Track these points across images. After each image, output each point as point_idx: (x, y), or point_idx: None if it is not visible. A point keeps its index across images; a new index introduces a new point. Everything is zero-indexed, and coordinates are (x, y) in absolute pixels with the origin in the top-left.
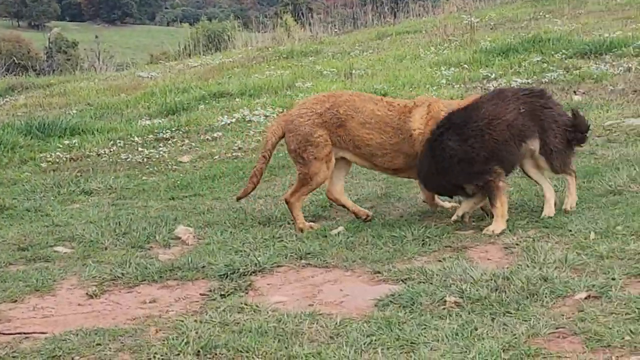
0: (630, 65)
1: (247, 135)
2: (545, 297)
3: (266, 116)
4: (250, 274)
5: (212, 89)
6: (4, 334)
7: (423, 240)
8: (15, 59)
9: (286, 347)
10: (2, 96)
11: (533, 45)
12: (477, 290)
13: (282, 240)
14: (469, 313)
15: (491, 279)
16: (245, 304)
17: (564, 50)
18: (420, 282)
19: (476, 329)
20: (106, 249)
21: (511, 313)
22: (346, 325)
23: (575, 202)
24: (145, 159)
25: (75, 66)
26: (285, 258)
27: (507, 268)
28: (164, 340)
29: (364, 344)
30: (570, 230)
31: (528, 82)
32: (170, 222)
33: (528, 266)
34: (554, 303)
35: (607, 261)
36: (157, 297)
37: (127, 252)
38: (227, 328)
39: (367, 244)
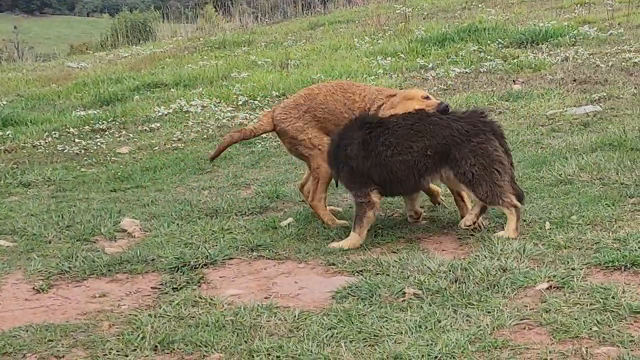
0: (567, 54)
1: (185, 126)
2: (507, 288)
3: (203, 107)
4: (202, 267)
5: (146, 80)
6: None
7: (375, 232)
8: None
9: (245, 341)
10: None
11: (469, 35)
12: (436, 282)
13: (231, 232)
14: (430, 305)
15: (449, 270)
16: (200, 298)
17: (500, 40)
18: (377, 274)
19: (439, 321)
20: (50, 242)
21: (473, 304)
22: (305, 319)
23: (510, 232)
24: (82, 151)
25: None
26: (236, 250)
27: (464, 259)
28: (118, 336)
29: (326, 337)
30: (525, 220)
31: (466, 72)
32: (114, 215)
33: (486, 257)
34: (516, 294)
35: (565, 251)
36: (107, 291)
37: (73, 246)
38: (183, 322)
39: (318, 235)
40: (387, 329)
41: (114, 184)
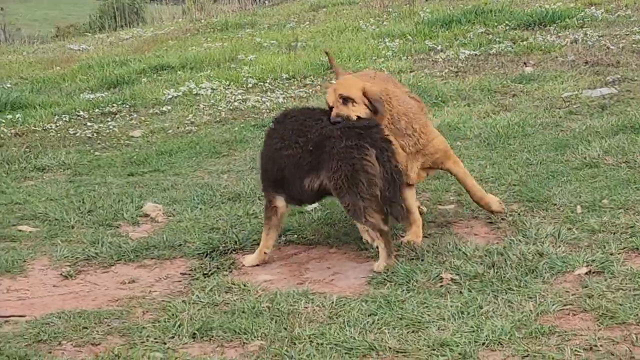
0: (576, 36)
1: (197, 109)
2: (545, 273)
3: (213, 89)
4: (231, 252)
5: (151, 62)
6: None
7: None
8: None
9: (285, 328)
10: None
11: (475, 17)
12: (472, 267)
13: (257, 217)
14: (469, 291)
15: (485, 255)
16: (233, 284)
17: (507, 22)
18: (412, 259)
19: (481, 307)
20: (73, 227)
21: (513, 290)
22: (344, 305)
23: (382, 267)
24: (95, 134)
25: None
26: None
27: (498, 244)
28: (154, 323)
29: (367, 323)
30: (555, 204)
31: (475, 54)
32: (135, 199)
33: (521, 241)
34: (555, 279)
35: (600, 235)
36: (136, 277)
37: (97, 231)
38: (218, 309)
39: (346, 219)
40: (429, 315)
41: (131, 168)
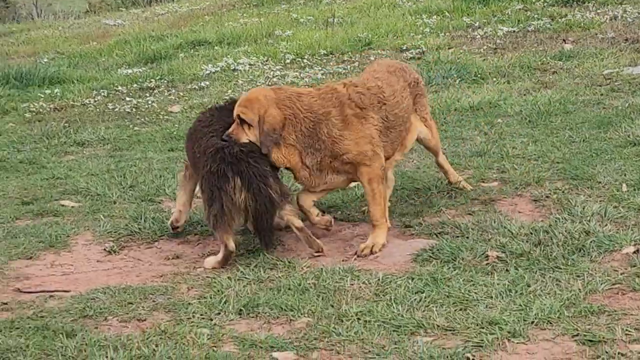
0: (615, 13)
1: (235, 85)
2: (592, 251)
3: (251, 65)
4: (275, 229)
5: (188, 37)
6: (25, 292)
7: (449, 193)
8: None
9: (332, 305)
10: None
11: None
12: (518, 245)
13: None
14: (516, 269)
15: (531, 233)
16: (278, 260)
17: None
18: (456, 237)
19: (529, 286)
20: (115, 202)
21: (561, 268)
22: (390, 282)
23: (210, 263)
24: (134, 109)
25: (15, 15)
26: None
27: (544, 221)
28: (200, 299)
29: (414, 301)
30: (600, 182)
31: (514, 31)
32: (177, 175)
33: (566, 219)
34: (603, 258)
35: None
36: (179, 253)
37: (139, 206)
38: (264, 285)
39: (390, 196)
40: (476, 293)
41: (171, 143)
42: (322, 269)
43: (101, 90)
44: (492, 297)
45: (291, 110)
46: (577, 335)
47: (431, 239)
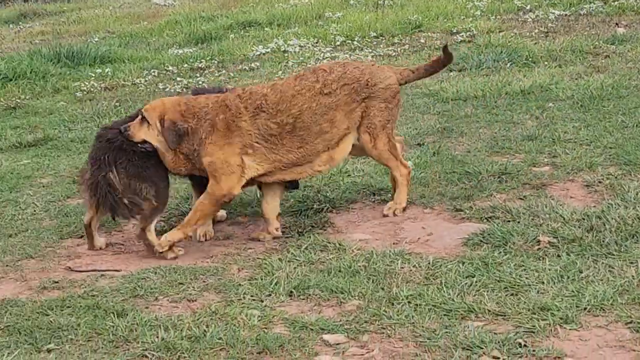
0: None
1: (286, 66)
2: None
3: (301, 46)
4: (326, 211)
5: (239, 18)
6: (77, 271)
7: (499, 177)
8: None
9: (382, 288)
10: (14, 23)
11: None
12: (570, 230)
13: (350, 176)
14: (568, 254)
15: (583, 218)
16: (328, 242)
17: None
18: (508, 221)
19: (581, 272)
20: None
21: (613, 255)
22: (440, 266)
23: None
24: (184, 89)
25: None
26: (358, 194)
27: (596, 207)
28: (250, 280)
29: (465, 285)
30: None
31: (565, 14)
32: None
33: (619, 205)
34: None
35: None
36: (230, 233)
37: (189, 187)
38: (314, 267)
39: (440, 180)
40: (527, 278)
41: None
42: (372, 251)
43: (152, 70)
44: (543, 282)
45: (186, 117)
46: (630, 322)
47: (482, 223)
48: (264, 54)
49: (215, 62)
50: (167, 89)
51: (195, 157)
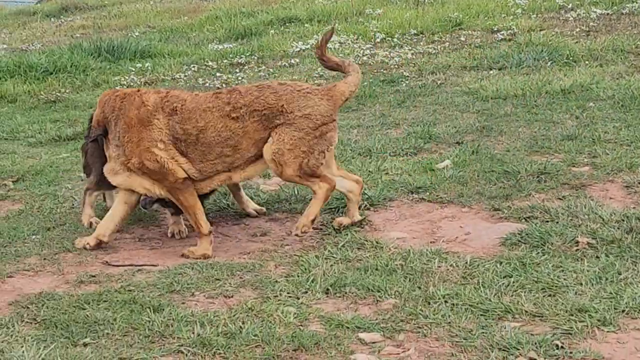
0: None
1: None
2: None
3: (341, 43)
4: (363, 208)
5: (279, 14)
6: (114, 265)
7: (538, 177)
8: None
9: (419, 287)
10: (56, 17)
11: None
12: (609, 232)
13: (388, 173)
14: (607, 256)
15: (623, 220)
16: (365, 240)
17: None
18: (546, 221)
19: (619, 273)
20: None
21: None
22: (477, 265)
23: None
24: (224, 85)
25: None
26: (396, 192)
27: (636, 208)
28: (287, 277)
29: (502, 285)
30: None
31: (607, 13)
32: None
33: None
34: None
35: None
36: (267, 230)
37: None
38: (351, 265)
39: (479, 178)
40: (565, 279)
41: None
42: (409, 250)
43: (192, 65)
44: (581, 283)
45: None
46: None
47: (520, 223)
48: (303, 50)
49: (255, 57)
50: (207, 84)
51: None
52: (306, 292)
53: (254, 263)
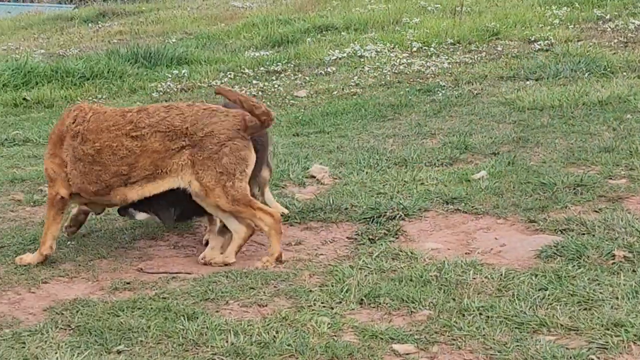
0: None
1: (361, 71)
2: None
3: (377, 52)
4: (398, 219)
5: (315, 22)
6: (148, 272)
7: (575, 189)
8: None
9: (454, 299)
10: (93, 22)
11: None
12: None
13: (424, 184)
14: None
15: None
16: (400, 251)
17: None
18: (582, 234)
19: None
20: None
21: None
22: (513, 277)
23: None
24: (260, 92)
25: None
26: (431, 202)
27: None
28: (321, 287)
29: (538, 298)
30: None
31: None
32: (302, 160)
33: None
34: None
35: None
36: (302, 239)
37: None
38: (385, 276)
39: (515, 190)
40: (601, 292)
41: (296, 128)
42: (444, 261)
43: (228, 72)
44: (618, 297)
45: None
46: None
47: (556, 235)
48: (340, 58)
49: (292, 65)
50: (243, 92)
51: None
52: (340, 302)
53: (288, 272)
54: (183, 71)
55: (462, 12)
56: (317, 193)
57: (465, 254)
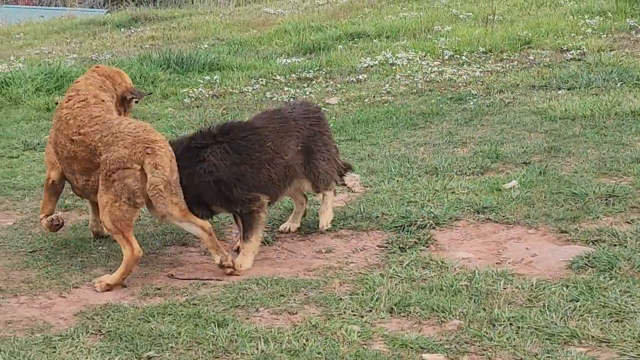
0: None
1: (392, 79)
2: None
3: (409, 60)
4: (429, 227)
5: (347, 29)
6: (179, 278)
7: (607, 199)
8: None
9: (484, 309)
10: (126, 27)
11: None
12: None
13: (454, 192)
14: None
15: None
16: (430, 260)
17: None
18: (614, 245)
19: None
20: None
21: None
22: (544, 288)
23: (330, 219)
24: (291, 99)
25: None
26: (462, 212)
27: None
28: (351, 295)
29: (569, 309)
30: None
31: None
32: None
33: None
34: None
35: None
36: (332, 247)
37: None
38: (416, 284)
39: (546, 200)
40: (633, 304)
41: None
42: (475, 271)
43: (259, 79)
44: None
45: None
46: None
47: (588, 246)
48: (371, 66)
49: (323, 72)
50: (275, 98)
51: None
52: (370, 310)
53: (318, 280)
54: (215, 77)
55: (494, 21)
56: (348, 201)
57: (496, 263)
